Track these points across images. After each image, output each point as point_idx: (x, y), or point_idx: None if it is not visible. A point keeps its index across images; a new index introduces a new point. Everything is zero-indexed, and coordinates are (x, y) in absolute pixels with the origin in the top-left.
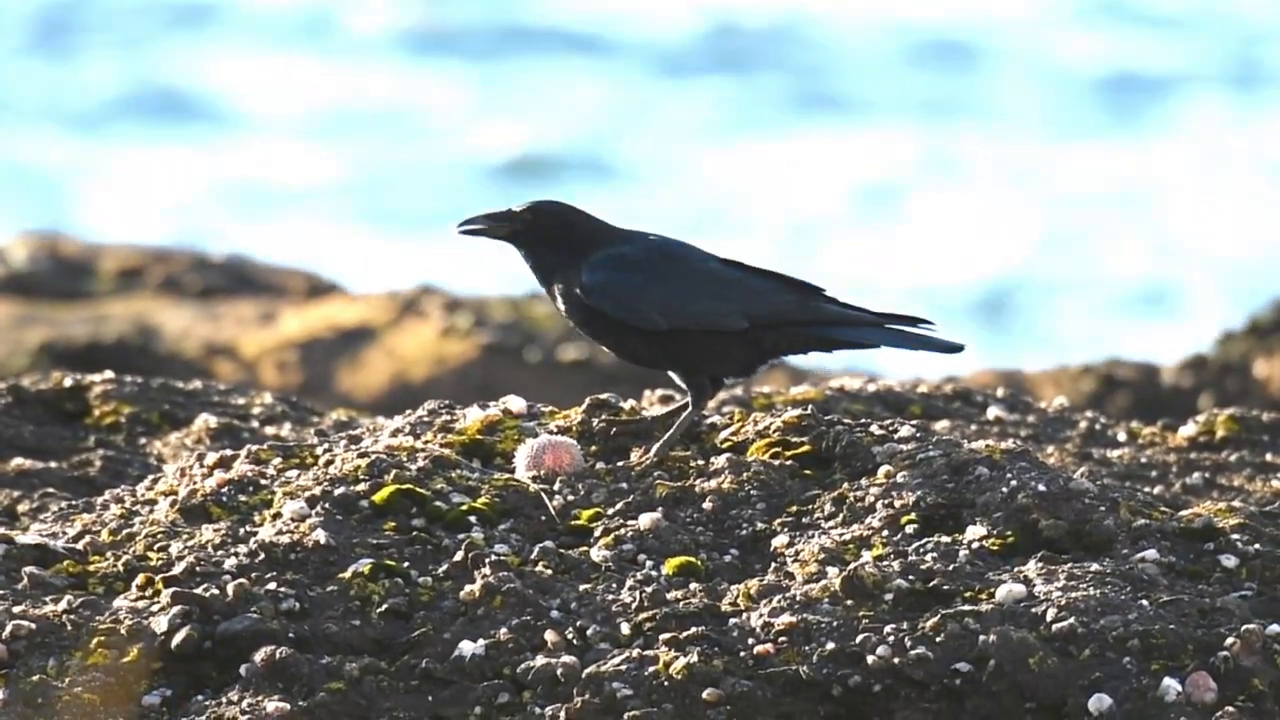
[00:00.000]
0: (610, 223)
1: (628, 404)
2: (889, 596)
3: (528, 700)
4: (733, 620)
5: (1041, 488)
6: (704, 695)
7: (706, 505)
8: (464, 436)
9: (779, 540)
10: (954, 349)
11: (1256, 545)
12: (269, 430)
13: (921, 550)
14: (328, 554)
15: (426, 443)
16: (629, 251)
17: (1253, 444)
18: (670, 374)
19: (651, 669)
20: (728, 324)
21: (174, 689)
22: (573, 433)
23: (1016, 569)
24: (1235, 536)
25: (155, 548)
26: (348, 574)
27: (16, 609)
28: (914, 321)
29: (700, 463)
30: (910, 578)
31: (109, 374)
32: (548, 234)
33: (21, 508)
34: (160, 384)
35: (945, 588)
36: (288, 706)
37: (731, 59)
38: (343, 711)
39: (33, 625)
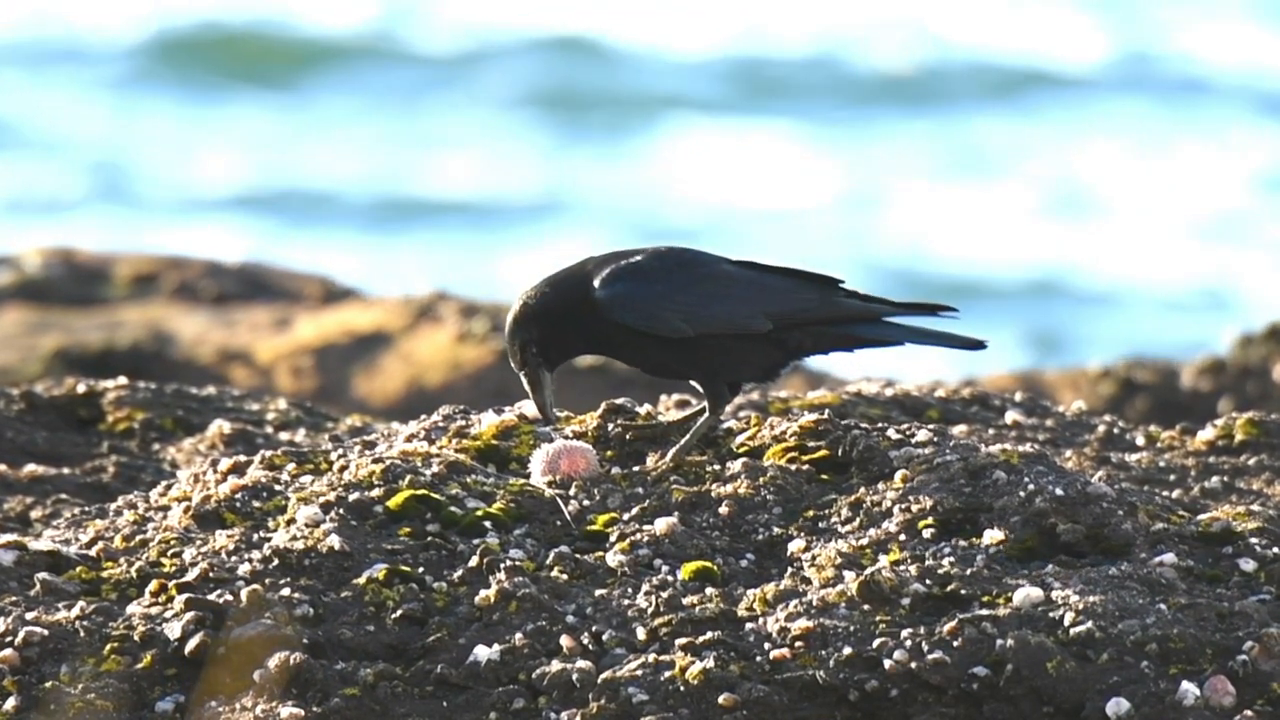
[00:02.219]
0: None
1: (643, 409)
2: (906, 601)
3: (543, 705)
4: (749, 625)
5: (1059, 491)
6: (720, 700)
7: (723, 510)
8: (479, 442)
9: (795, 545)
10: (976, 345)
11: (1275, 549)
12: (283, 436)
13: (938, 554)
14: (342, 560)
15: (441, 448)
16: (642, 262)
17: (1272, 448)
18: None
19: (667, 674)
20: (751, 326)
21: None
22: (588, 437)
23: (1034, 573)
24: (1254, 540)
25: (169, 554)
26: (362, 579)
27: (29, 615)
28: (935, 309)
29: (716, 467)
30: (927, 582)
31: (123, 380)
32: (553, 309)
33: (35, 514)
34: (174, 390)
35: (962, 592)
36: (302, 713)
37: None
38: (357, 717)
39: (45, 632)
